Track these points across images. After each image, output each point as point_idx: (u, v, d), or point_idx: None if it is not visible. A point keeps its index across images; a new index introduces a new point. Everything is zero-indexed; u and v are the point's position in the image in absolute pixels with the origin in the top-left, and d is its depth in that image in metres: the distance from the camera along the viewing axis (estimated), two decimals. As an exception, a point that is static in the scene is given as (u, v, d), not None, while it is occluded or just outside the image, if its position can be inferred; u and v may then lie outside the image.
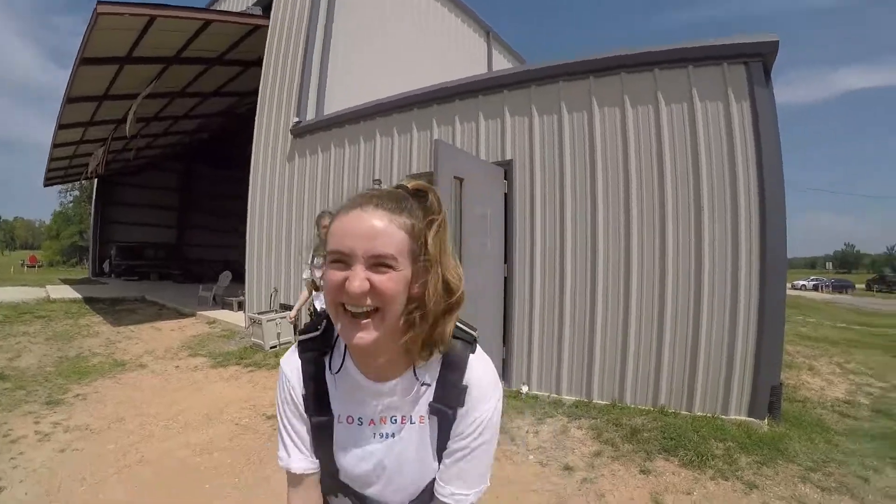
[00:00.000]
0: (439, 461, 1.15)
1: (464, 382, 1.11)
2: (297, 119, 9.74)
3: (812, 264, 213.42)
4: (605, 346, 5.65)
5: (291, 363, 1.22)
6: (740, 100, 5.18)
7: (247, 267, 10.95)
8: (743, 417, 4.96)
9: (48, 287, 19.04)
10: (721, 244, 5.16)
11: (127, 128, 13.95)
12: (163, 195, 30.68)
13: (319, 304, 5.11)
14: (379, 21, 11.84)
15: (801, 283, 55.82)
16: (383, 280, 0.97)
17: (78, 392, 6.58)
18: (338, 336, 1.17)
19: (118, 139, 18.53)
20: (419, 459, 1.14)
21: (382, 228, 0.98)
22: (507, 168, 6.37)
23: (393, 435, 1.14)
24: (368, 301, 0.97)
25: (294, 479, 1.22)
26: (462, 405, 1.11)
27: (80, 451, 4.72)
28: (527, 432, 4.97)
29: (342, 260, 0.98)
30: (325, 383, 1.18)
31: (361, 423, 1.16)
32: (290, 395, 1.20)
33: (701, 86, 5.36)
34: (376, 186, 1.15)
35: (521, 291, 6.20)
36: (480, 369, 1.13)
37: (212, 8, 14.90)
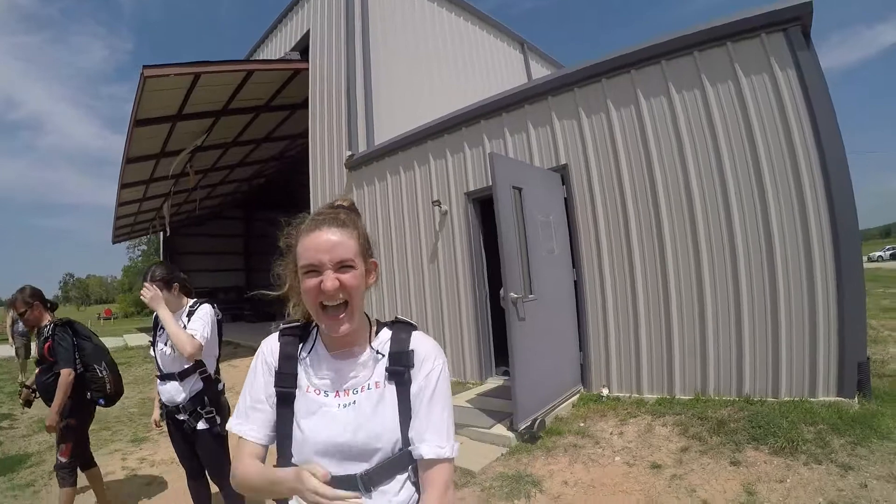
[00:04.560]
0: (402, 426, 1.34)
1: (410, 347, 1.40)
2: (349, 152, 10.15)
3: (887, 232, 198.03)
4: (682, 340, 5.68)
5: (272, 342, 1.50)
6: (785, 68, 5.16)
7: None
8: (832, 398, 4.85)
9: (125, 336, 20.18)
10: (789, 221, 5.12)
11: (174, 168, 14.53)
12: (227, 242, 32.10)
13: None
14: (414, 47, 12.19)
15: (878, 254, 52.89)
16: (348, 278, 1.29)
17: (162, 430, 7.12)
18: (312, 328, 1.48)
19: (179, 192, 19.39)
20: (377, 416, 1.33)
21: (339, 240, 1.29)
22: (562, 173, 6.60)
23: (355, 403, 1.35)
24: (340, 296, 1.29)
25: (244, 446, 1.40)
26: (412, 365, 1.38)
27: (167, 485, 5.18)
28: (611, 434, 5.03)
29: (315, 270, 1.28)
30: (297, 363, 1.43)
31: (327, 394, 1.37)
32: (265, 365, 1.46)
33: (743, 61, 5.37)
34: (332, 208, 1.46)
35: (593, 294, 6.32)
36: (422, 338, 1.44)
37: (252, 59, 15.43)
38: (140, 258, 60.20)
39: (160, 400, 3.51)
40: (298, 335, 1.48)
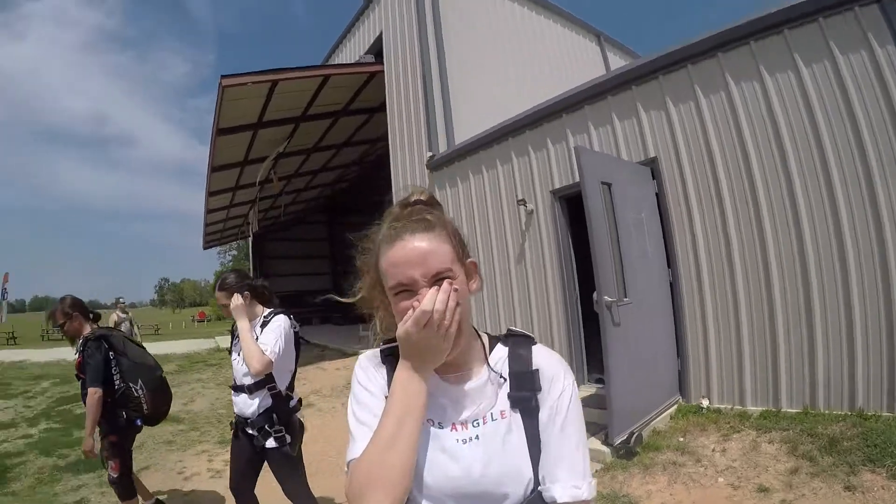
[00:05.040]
0: (532, 462, 1.11)
1: (534, 367, 1.18)
2: (430, 153, 10.22)
3: None
4: (789, 347, 5.29)
5: (374, 365, 1.24)
6: (884, 44, 4.72)
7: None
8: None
9: (217, 338, 21.50)
10: None
11: (259, 176, 14.96)
12: (314, 246, 33.22)
13: None
14: (489, 44, 12.12)
15: None
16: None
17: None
18: None
19: (265, 198, 20.03)
20: (507, 454, 1.10)
21: (429, 248, 1.07)
22: (652, 167, 6.36)
23: (478, 437, 1.12)
24: None
25: None
26: (539, 388, 1.16)
27: None
28: (713, 451, 4.77)
29: (407, 289, 1.06)
30: None
31: (442, 426, 1.14)
32: (369, 396, 1.18)
33: (838, 37, 4.96)
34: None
35: (690, 297, 6.03)
36: (545, 353, 1.22)
37: (328, 63, 15.68)
38: (231, 262, 62.85)
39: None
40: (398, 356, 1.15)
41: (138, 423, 4.06)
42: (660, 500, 4.11)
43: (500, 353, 1.22)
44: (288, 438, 3.27)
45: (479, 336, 1.26)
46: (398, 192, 11.48)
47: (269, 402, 3.28)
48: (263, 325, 3.35)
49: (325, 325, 25.76)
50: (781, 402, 5.31)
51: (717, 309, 5.81)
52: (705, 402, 5.79)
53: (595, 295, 5.14)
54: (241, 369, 3.30)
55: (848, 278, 4.91)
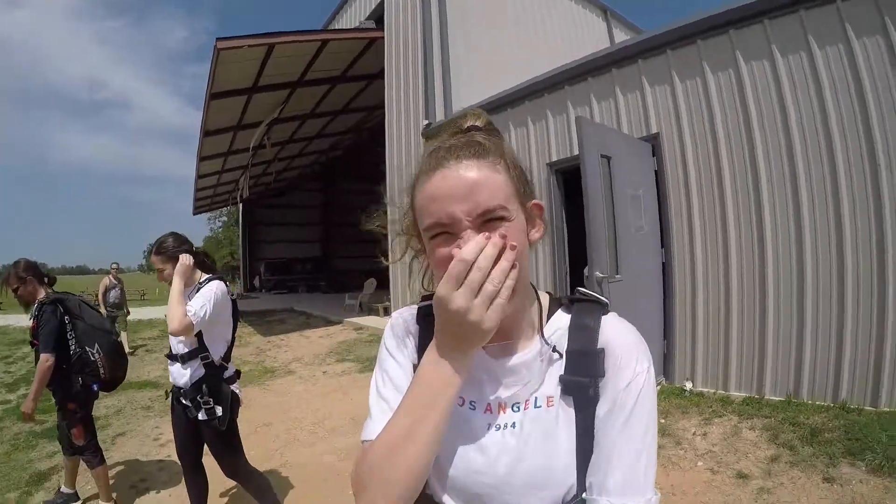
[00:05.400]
0: (579, 465, 0.88)
1: (599, 345, 0.91)
2: (426, 121, 10.02)
3: None
4: (777, 335, 5.25)
5: (409, 328, 1.04)
6: None
7: (390, 272, 11.45)
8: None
9: None
10: None
11: (253, 141, 14.82)
12: (305, 213, 33.22)
13: None
14: (492, 13, 11.99)
15: None
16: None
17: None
18: None
19: (257, 164, 19.84)
20: (547, 450, 0.89)
21: (479, 179, 0.81)
22: (653, 143, 6.23)
23: (513, 425, 0.92)
24: None
25: None
26: (602, 374, 0.89)
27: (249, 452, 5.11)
28: (694, 434, 4.73)
29: (446, 231, 0.82)
30: None
31: (475, 407, 0.95)
32: (397, 364, 1.00)
33: (853, 18, 4.81)
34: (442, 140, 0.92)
35: (682, 278, 5.97)
36: (617, 328, 0.94)
37: (327, 28, 15.48)
38: (220, 229, 62.45)
39: None
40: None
41: (95, 387, 3.89)
42: (637, 482, 4.01)
43: (560, 322, 0.96)
44: (219, 411, 3.09)
45: (538, 296, 1.00)
46: (392, 160, 11.57)
47: (201, 372, 3.11)
48: (197, 289, 3.17)
49: (312, 293, 25.87)
50: (765, 390, 5.29)
51: (707, 292, 5.75)
52: (689, 385, 5.77)
53: (587, 270, 5.03)
54: (174, 338, 3.14)
55: (844, 272, 4.86)
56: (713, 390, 5.62)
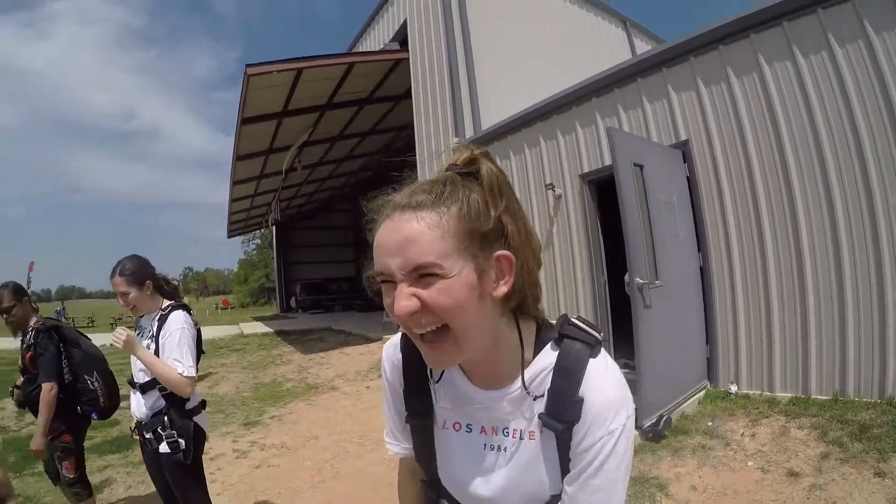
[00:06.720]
0: (561, 481, 0.98)
1: (579, 394, 0.93)
2: (456, 140, 10.13)
3: None
4: (820, 334, 5.25)
5: (393, 356, 1.15)
6: None
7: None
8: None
9: (241, 324, 22.05)
10: None
11: (284, 164, 15.20)
12: (338, 234, 33.97)
13: None
14: (515, 29, 12.13)
15: None
16: (432, 294, 0.82)
17: (273, 414, 7.48)
18: None
19: (289, 187, 20.29)
20: (532, 473, 0.99)
21: (411, 234, 0.82)
22: (684, 150, 6.34)
23: (505, 449, 1.01)
24: (423, 321, 0.84)
25: (401, 464, 1.27)
26: (577, 420, 0.93)
27: (275, 468, 5.36)
28: (742, 435, 4.78)
29: (389, 280, 0.86)
30: (428, 386, 1.09)
31: (471, 430, 1.04)
32: (390, 387, 1.17)
33: (872, 15, 4.84)
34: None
35: (720, 281, 6.01)
36: (600, 381, 0.94)
37: (352, 51, 15.81)
38: (255, 251, 63.54)
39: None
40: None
41: (94, 416, 3.78)
42: (689, 483, 4.14)
43: (545, 362, 0.98)
44: (181, 444, 2.91)
45: (521, 337, 0.99)
46: (423, 178, 11.63)
47: (161, 402, 2.95)
48: (161, 319, 2.99)
49: (348, 311, 26.20)
50: (811, 389, 5.27)
51: (747, 294, 5.79)
52: (734, 388, 5.78)
53: (626, 276, 5.14)
54: (137, 364, 2.97)
55: (881, 263, 4.83)
56: (759, 392, 5.60)
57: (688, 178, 6.25)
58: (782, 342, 5.51)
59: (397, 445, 1.22)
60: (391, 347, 1.17)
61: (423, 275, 0.81)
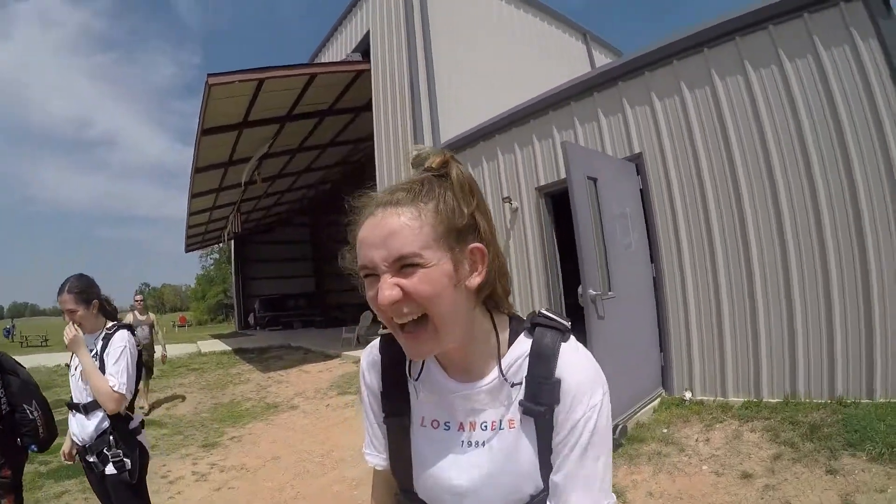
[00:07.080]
0: (543, 472, 1.00)
1: (556, 376, 0.98)
2: (416, 146, 10.02)
3: None
4: (770, 339, 5.40)
5: (372, 357, 1.19)
6: (867, 38, 4.82)
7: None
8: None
9: (199, 342, 21.54)
10: (880, 206, 4.73)
11: (244, 177, 15.13)
12: (297, 248, 33.75)
13: None
14: (477, 42, 12.23)
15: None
16: (413, 283, 0.88)
17: (233, 434, 7.33)
18: None
19: (248, 200, 20.05)
20: (513, 464, 1.01)
21: (395, 227, 0.89)
22: (637, 162, 6.46)
23: (484, 443, 1.03)
24: (405, 310, 0.90)
25: (375, 475, 1.28)
26: (557, 402, 0.97)
27: (235, 490, 5.25)
28: (696, 440, 4.87)
29: (372, 273, 0.91)
30: (407, 383, 1.12)
31: (449, 427, 1.07)
32: (368, 391, 1.20)
33: (822, 32, 5.06)
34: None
35: (673, 291, 6.12)
36: (574, 360, 1.00)
37: (315, 62, 15.77)
38: (212, 266, 62.58)
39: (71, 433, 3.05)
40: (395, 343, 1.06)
41: (33, 449, 3.42)
42: (645, 490, 4.16)
43: (520, 350, 1.03)
44: (128, 464, 2.89)
45: (496, 328, 1.05)
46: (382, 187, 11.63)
47: (106, 423, 2.90)
48: (105, 338, 2.98)
49: (307, 328, 25.91)
50: (763, 393, 5.40)
51: (699, 302, 5.90)
52: (688, 395, 5.88)
53: (580, 288, 5.18)
54: (79, 385, 2.96)
55: (828, 270, 5.02)
56: (713, 398, 5.71)
57: (641, 190, 6.36)
58: (734, 348, 5.63)
59: (377, 456, 1.22)
60: (370, 350, 1.21)
61: (404, 265, 0.88)
